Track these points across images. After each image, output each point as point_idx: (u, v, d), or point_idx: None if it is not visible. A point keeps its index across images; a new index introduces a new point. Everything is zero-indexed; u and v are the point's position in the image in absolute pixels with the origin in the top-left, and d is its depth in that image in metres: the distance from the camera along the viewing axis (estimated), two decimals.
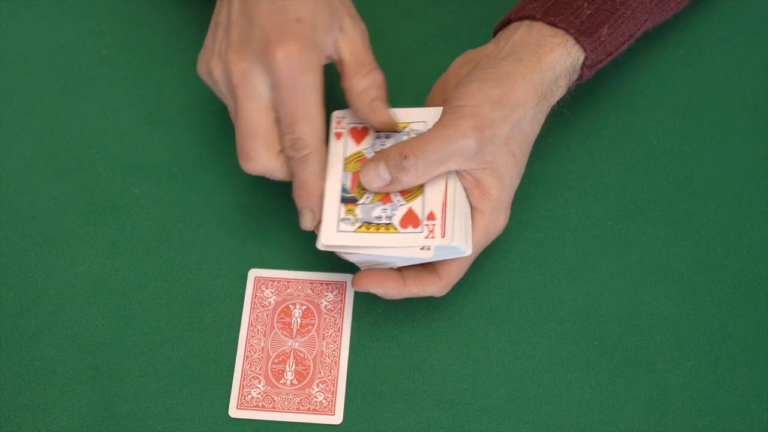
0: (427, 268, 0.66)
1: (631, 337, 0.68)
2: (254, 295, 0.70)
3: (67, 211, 0.73)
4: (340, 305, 0.69)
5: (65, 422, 0.66)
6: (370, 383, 0.67)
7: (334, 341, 0.68)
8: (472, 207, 0.65)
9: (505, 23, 0.70)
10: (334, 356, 0.67)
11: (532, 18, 0.68)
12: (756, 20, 0.79)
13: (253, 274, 0.70)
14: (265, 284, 0.70)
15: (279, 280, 0.70)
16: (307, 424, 0.66)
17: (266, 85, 0.64)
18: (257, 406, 0.66)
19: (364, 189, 0.65)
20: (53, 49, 0.79)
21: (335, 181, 0.66)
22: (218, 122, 0.75)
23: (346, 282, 0.70)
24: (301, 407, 0.66)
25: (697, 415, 0.66)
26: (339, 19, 0.66)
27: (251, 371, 0.67)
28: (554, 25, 0.67)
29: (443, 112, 0.64)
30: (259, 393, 0.66)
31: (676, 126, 0.75)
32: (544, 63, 0.66)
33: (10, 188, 0.74)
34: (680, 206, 0.72)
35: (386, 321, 0.69)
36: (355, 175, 0.65)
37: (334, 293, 0.70)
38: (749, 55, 0.78)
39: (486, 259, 0.71)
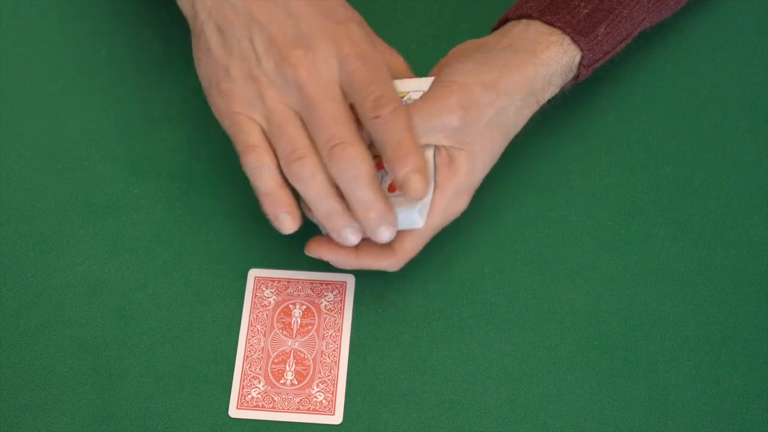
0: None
1: (631, 337, 0.68)
2: (254, 295, 0.70)
3: (67, 211, 0.73)
4: (340, 305, 0.69)
5: (65, 422, 0.66)
6: (370, 383, 0.67)
7: (334, 341, 0.68)
8: (436, 184, 0.64)
9: (503, 22, 0.70)
10: (334, 356, 0.67)
11: (529, 17, 0.68)
12: (756, 20, 0.79)
13: (253, 274, 0.70)
14: (265, 284, 0.70)
15: (279, 280, 0.70)
16: (307, 424, 0.66)
17: (333, 70, 0.61)
18: (257, 406, 0.66)
19: None
20: (53, 49, 0.79)
21: None
22: (218, 122, 0.75)
23: (346, 282, 0.70)
24: (301, 407, 0.66)
25: (697, 415, 0.66)
26: None
27: (251, 371, 0.67)
28: (551, 24, 0.67)
29: (433, 84, 0.64)
30: (259, 393, 0.66)
31: (676, 126, 0.75)
32: (539, 58, 0.66)
33: (10, 188, 0.74)
34: (680, 206, 0.72)
35: (386, 321, 0.69)
36: None
37: (334, 293, 0.70)
38: (749, 55, 0.78)
39: (486, 259, 0.71)
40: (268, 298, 0.70)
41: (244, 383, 0.67)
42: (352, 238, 0.62)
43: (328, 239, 0.65)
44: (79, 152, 0.75)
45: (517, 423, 0.66)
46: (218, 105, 0.63)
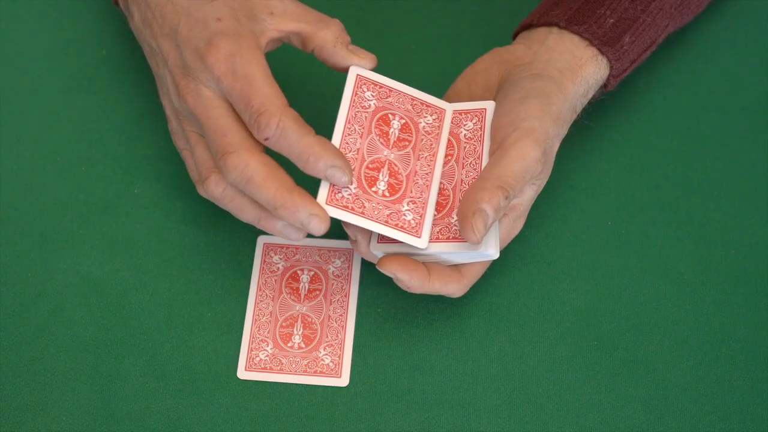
0: (450, 266, 0.65)
1: (631, 337, 0.68)
2: (263, 261, 0.70)
3: (67, 211, 0.73)
4: (347, 271, 0.70)
5: (65, 422, 0.66)
6: (370, 383, 0.67)
7: (341, 306, 0.69)
8: None
9: (526, 27, 0.70)
10: (341, 321, 0.68)
11: (556, 25, 0.68)
12: (756, 20, 0.79)
13: (262, 240, 0.71)
14: (273, 250, 0.71)
15: (287, 247, 0.71)
16: (314, 386, 0.67)
17: (214, 89, 0.62)
18: (265, 368, 0.67)
19: None
20: (53, 49, 0.79)
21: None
22: None
23: (353, 249, 0.70)
24: (308, 369, 0.67)
25: (697, 415, 0.66)
26: (265, 5, 0.65)
27: (259, 334, 0.68)
28: (579, 34, 0.67)
29: (513, 133, 0.63)
30: (267, 356, 0.67)
31: (677, 126, 0.75)
32: (581, 77, 0.67)
33: (10, 188, 0.74)
34: (680, 206, 0.72)
35: (386, 321, 0.69)
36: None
37: (342, 260, 0.70)
38: (750, 55, 0.78)
39: None
40: (276, 264, 0.70)
41: (253, 346, 0.68)
42: (292, 233, 0.63)
43: (400, 258, 0.64)
44: (79, 152, 0.75)
45: (517, 423, 0.66)
46: (173, 141, 0.68)
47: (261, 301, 0.69)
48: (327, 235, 0.70)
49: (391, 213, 0.63)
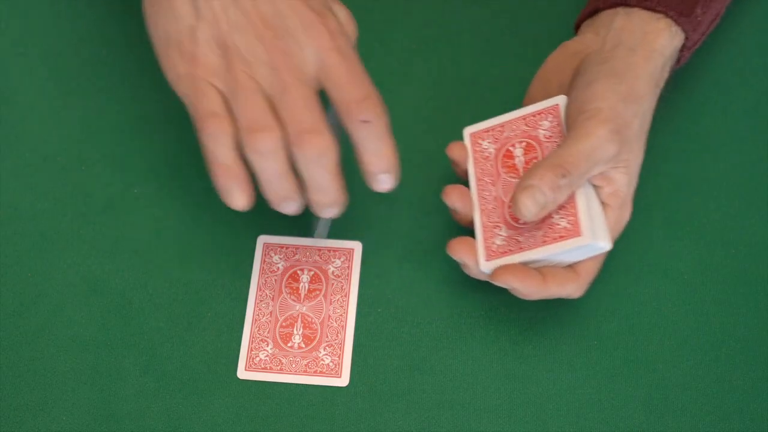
0: (565, 267, 0.65)
1: (631, 337, 0.68)
2: (263, 261, 0.70)
3: (67, 211, 0.73)
4: (347, 271, 0.70)
5: (65, 422, 0.66)
6: (370, 383, 0.67)
7: (341, 306, 0.69)
8: (603, 203, 0.65)
9: (591, 13, 0.69)
10: (341, 320, 0.68)
11: (625, 5, 0.67)
12: (756, 20, 0.79)
13: (262, 240, 0.71)
14: (273, 250, 0.71)
15: (287, 247, 0.71)
16: (314, 385, 0.67)
17: (310, 59, 0.59)
18: (265, 368, 0.67)
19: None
20: (53, 49, 0.79)
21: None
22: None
23: (353, 249, 0.71)
24: (308, 369, 0.67)
25: (697, 415, 0.66)
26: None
27: (259, 334, 0.68)
28: (652, 9, 0.66)
29: (578, 118, 0.62)
30: (267, 355, 0.67)
31: (677, 125, 0.75)
32: (655, 50, 0.65)
33: (10, 188, 0.74)
34: (680, 206, 0.73)
35: (386, 321, 0.69)
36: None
37: (342, 260, 0.70)
38: (750, 55, 0.78)
39: None
40: (276, 264, 0.70)
41: (253, 346, 0.68)
42: (291, 209, 0.61)
43: (514, 266, 0.63)
44: (79, 152, 0.75)
45: (517, 423, 0.66)
46: (176, 65, 0.61)
47: (261, 301, 0.69)
48: (327, 235, 0.71)
49: (308, 362, 0.66)
